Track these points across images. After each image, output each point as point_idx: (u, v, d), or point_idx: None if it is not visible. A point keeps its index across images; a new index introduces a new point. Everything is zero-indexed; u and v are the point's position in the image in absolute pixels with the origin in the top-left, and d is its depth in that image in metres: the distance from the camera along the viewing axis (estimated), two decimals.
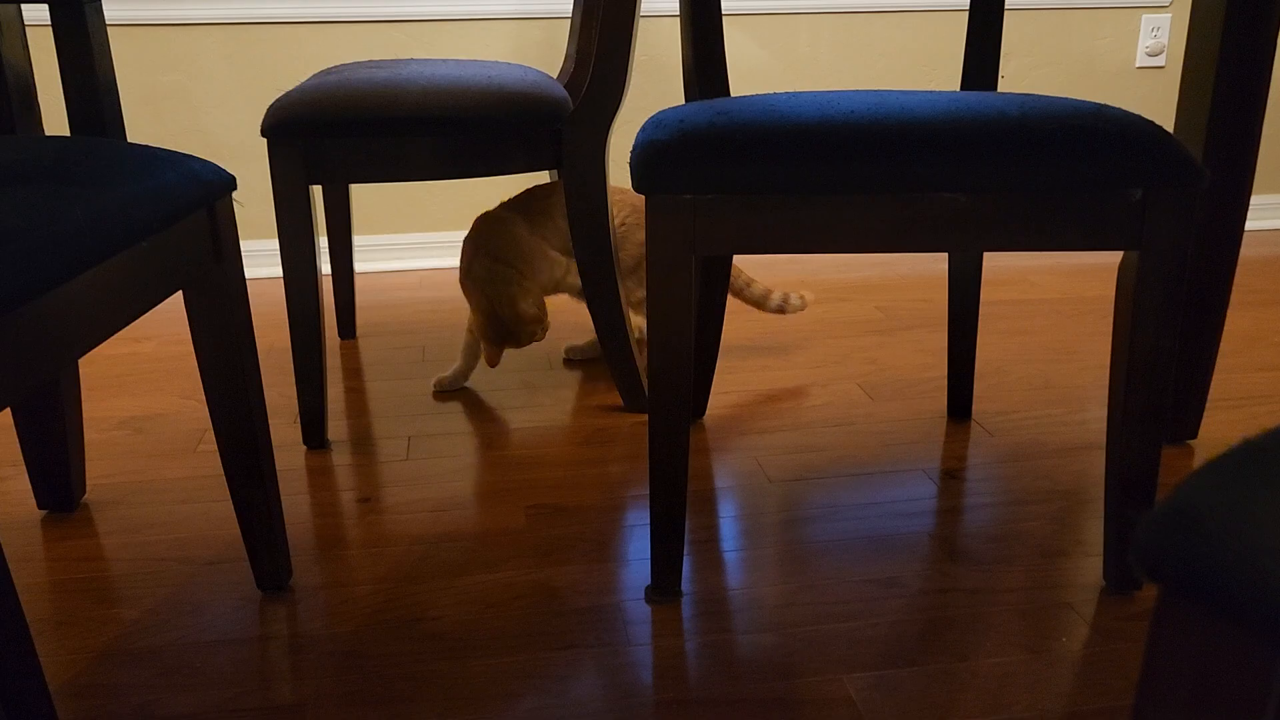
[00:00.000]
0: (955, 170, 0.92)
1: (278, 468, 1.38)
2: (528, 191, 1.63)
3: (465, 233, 2.38)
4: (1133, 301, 0.97)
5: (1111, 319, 1.37)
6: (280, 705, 0.93)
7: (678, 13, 2.17)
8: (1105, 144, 0.92)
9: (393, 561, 1.16)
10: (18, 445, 1.41)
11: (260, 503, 1.06)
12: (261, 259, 2.24)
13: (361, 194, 2.30)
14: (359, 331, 1.93)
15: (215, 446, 1.20)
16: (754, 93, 2.32)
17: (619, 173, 2.25)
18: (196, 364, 1.09)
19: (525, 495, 1.31)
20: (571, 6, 2.03)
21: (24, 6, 1.36)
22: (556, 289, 1.61)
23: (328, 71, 1.54)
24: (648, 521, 1.22)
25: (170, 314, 2.02)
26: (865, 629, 1.03)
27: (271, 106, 1.33)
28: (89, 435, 1.50)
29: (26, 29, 1.16)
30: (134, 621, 1.06)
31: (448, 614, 1.06)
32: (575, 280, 1.59)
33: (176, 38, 2.15)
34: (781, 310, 1.74)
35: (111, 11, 2.11)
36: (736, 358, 1.76)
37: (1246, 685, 0.33)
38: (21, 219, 0.66)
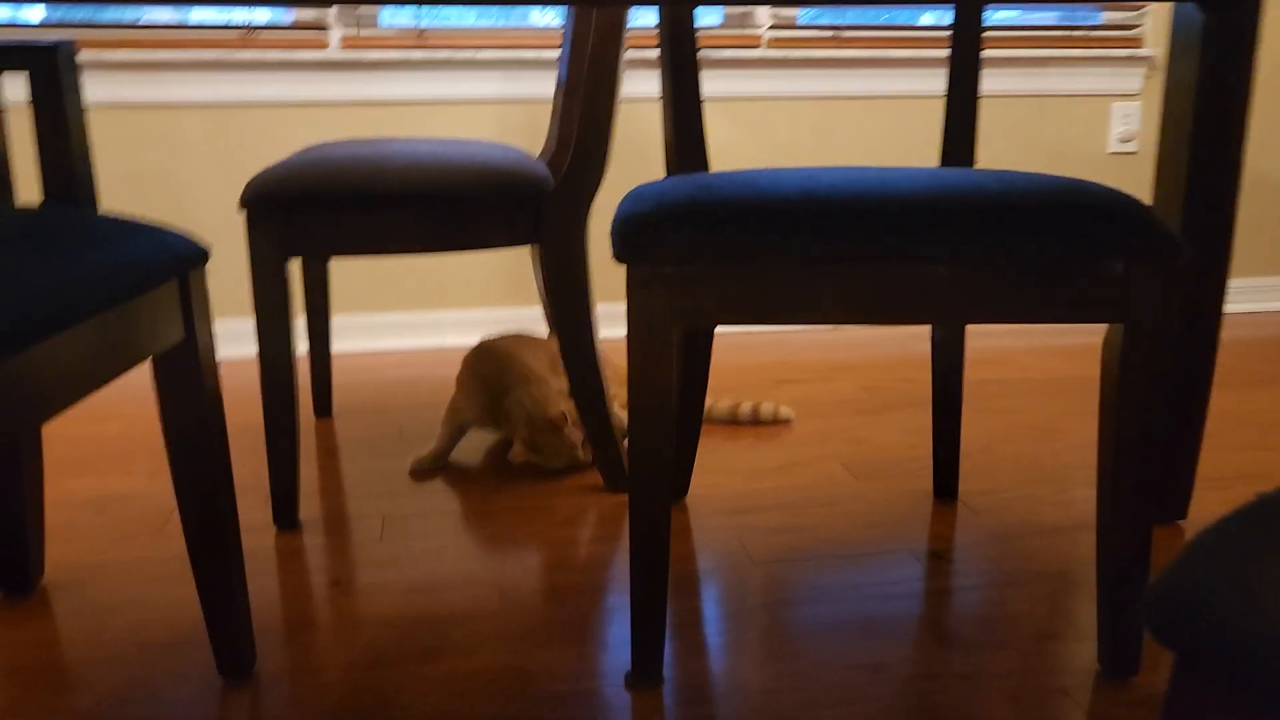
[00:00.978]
0: (936, 240, 0.92)
1: (247, 549, 1.35)
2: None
3: (446, 311, 2.40)
4: (1118, 376, 0.97)
5: (1097, 398, 1.37)
6: None
7: (659, 96, 2.21)
8: (1086, 216, 0.93)
9: (363, 646, 1.13)
10: None
11: (225, 585, 1.04)
12: (237, 338, 2.22)
13: (341, 272, 2.30)
14: (335, 410, 1.92)
15: (181, 527, 1.18)
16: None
17: (598, 248, 2.26)
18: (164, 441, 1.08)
19: (502, 577, 1.29)
20: (554, 89, 2.07)
21: (5, 83, 1.37)
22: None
23: (310, 149, 1.55)
24: (628, 604, 1.20)
25: (138, 393, 2.00)
26: (853, 717, 1.00)
27: (252, 180, 1.34)
28: (50, 516, 1.46)
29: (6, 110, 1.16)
30: (87, 710, 1.01)
31: (418, 702, 1.03)
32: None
33: (158, 117, 2.17)
34: (755, 420, 1.79)
35: (95, 91, 2.13)
36: (719, 436, 1.76)
37: None
38: None
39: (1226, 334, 2.45)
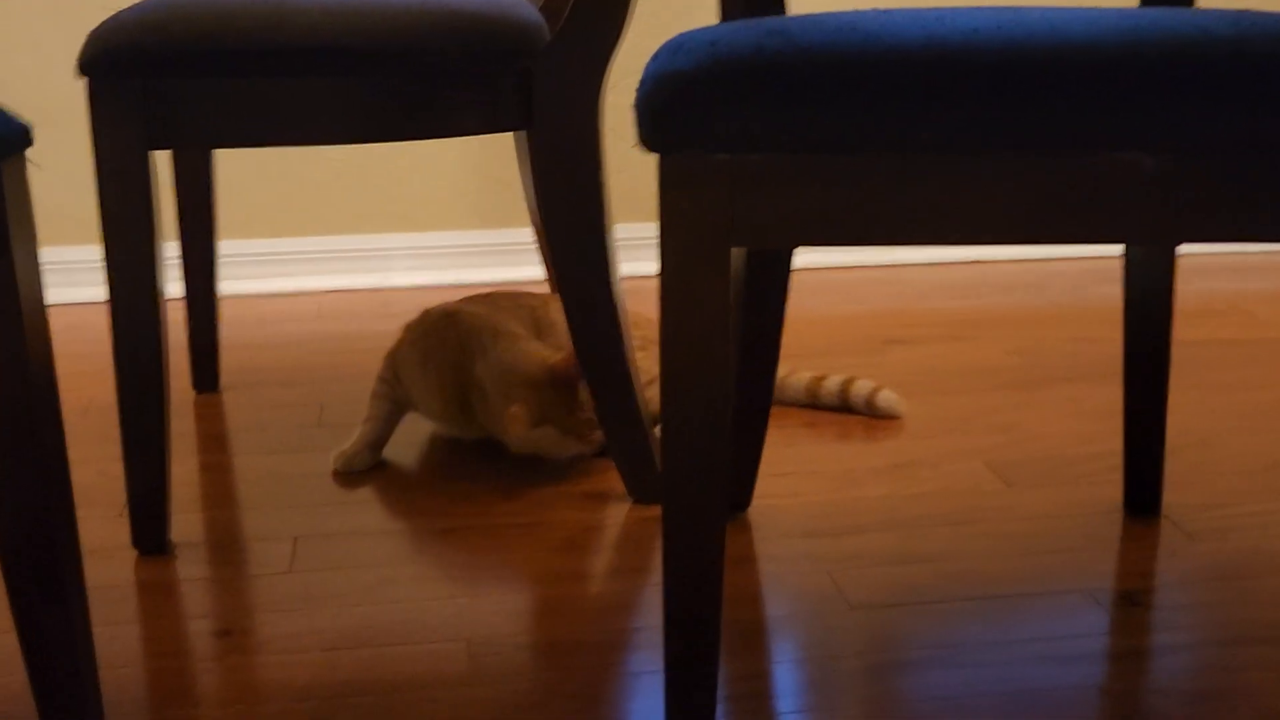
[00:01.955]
0: (1139, 117, 0.91)
1: (94, 583, 1.36)
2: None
3: (390, 236, 2.39)
4: None
5: None
6: None
7: None
8: None
9: None
10: None
11: (59, 635, 1.05)
12: (76, 275, 2.23)
13: (231, 176, 2.29)
14: (224, 382, 1.93)
15: None
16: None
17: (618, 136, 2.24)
18: None
19: (471, 627, 1.29)
20: None
21: None
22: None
23: None
24: (660, 668, 1.20)
25: None
26: None
27: (96, 31, 1.33)
28: None
29: None
30: None
31: None
32: None
33: None
34: (844, 404, 1.80)
35: None
36: (797, 421, 1.75)
37: None
38: None
39: None
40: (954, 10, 1.05)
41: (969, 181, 0.93)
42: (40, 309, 1.00)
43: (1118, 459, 1.57)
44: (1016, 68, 0.92)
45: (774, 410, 1.51)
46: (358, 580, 1.38)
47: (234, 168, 2.30)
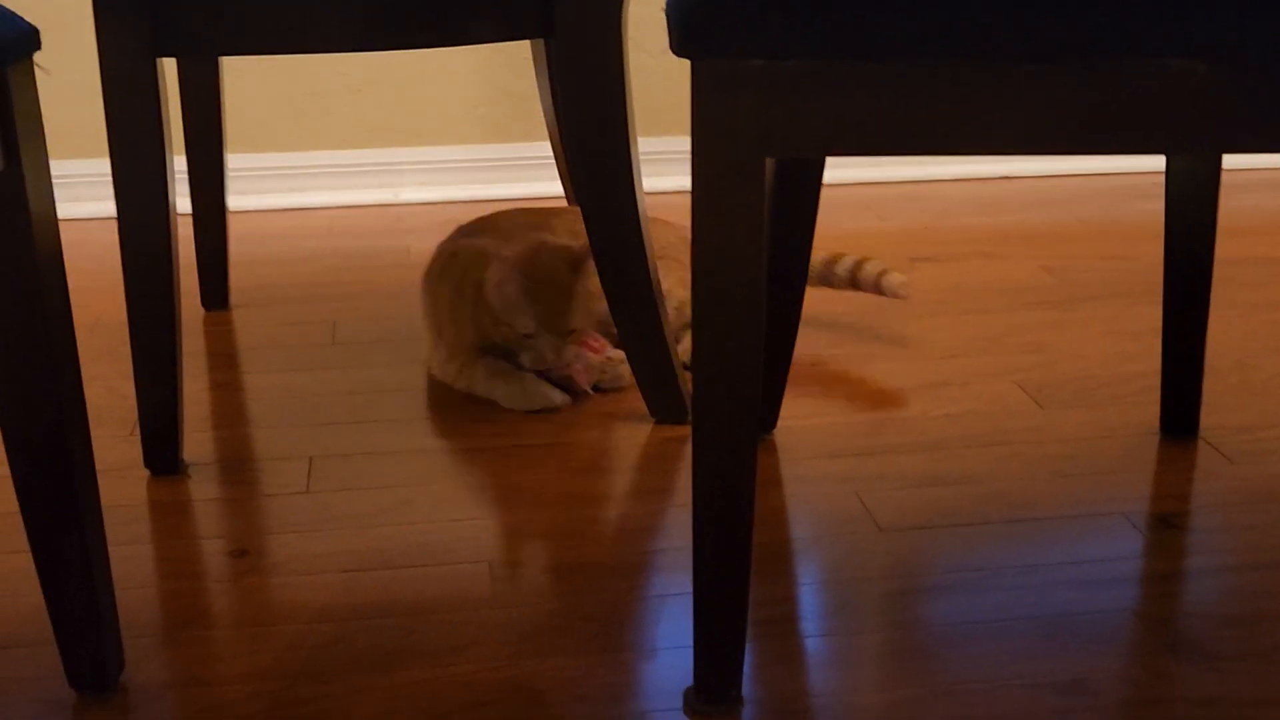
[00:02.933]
0: (1187, 19, 0.89)
1: (109, 503, 1.36)
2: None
3: (402, 150, 2.37)
4: None
5: None
6: None
7: None
8: None
9: (282, 649, 1.14)
10: None
11: (75, 557, 1.05)
12: (84, 189, 2.22)
13: (240, 88, 2.28)
14: (234, 300, 1.93)
15: (6, 471, 1.19)
16: None
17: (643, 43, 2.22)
18: None
19: (491, 548, 1.30)
20: None
21: None
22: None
23: None
24: (687, 590, 1.20)
25: None
26: None
27: None
28: None
29: None
30: None
31: None
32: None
33: None
34: (853, 283, 1.79)
35: None
36: (824, 338, 1.75)
37: None
38: None
39: None
40: None
41: (1007, 87, 0.92)
42: (52, 222, 0.99)
43: (1154, 380, 1.57)
44: None
45: (806, 302, 1.51)
46: (376, 501, 1.38)
47: (244, 83, 2.28)
